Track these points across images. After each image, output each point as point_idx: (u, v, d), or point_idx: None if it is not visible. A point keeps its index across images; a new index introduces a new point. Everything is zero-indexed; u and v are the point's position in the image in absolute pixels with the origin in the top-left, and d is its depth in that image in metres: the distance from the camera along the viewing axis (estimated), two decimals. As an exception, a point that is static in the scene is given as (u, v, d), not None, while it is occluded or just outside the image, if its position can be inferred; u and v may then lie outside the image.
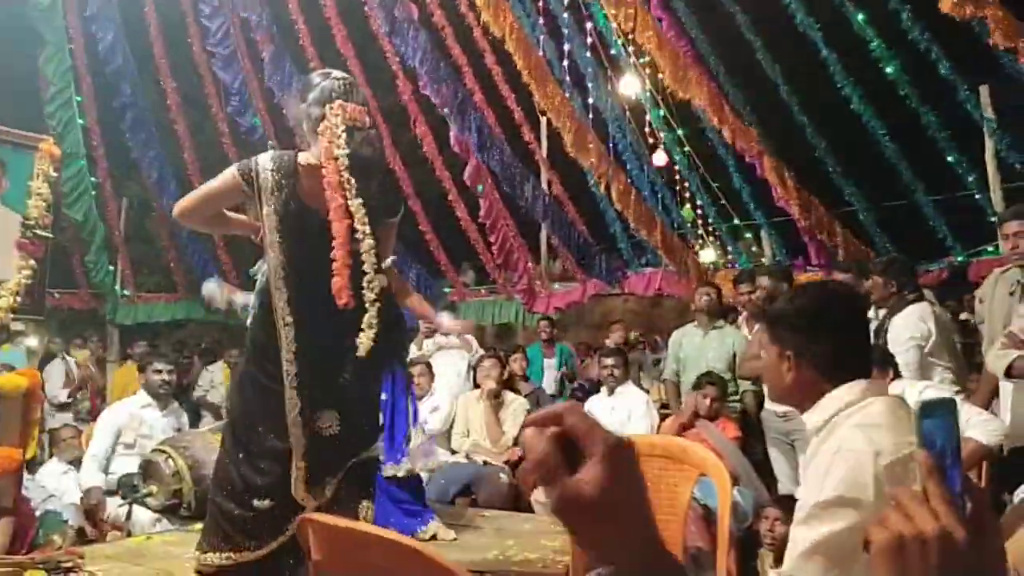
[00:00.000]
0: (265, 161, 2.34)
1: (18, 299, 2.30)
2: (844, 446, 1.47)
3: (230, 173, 2.36)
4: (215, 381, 7.66)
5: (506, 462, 4.72)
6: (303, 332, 2.33)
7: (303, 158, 2.36)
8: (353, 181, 2.25)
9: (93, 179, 8.11)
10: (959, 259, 6.02)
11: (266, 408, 2.43)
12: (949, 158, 6.28)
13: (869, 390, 1.56)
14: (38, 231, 2.33)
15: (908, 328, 3.76)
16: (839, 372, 1.58)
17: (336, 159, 2.26)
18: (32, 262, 2.32)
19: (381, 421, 2.94)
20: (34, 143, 2.42)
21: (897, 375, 3.16)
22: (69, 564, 2.73)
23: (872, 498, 1.38)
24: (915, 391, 3.04)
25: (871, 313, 4.05)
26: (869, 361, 1.69)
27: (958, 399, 3.03)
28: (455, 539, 3.17)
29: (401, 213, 2.59)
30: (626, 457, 0.61)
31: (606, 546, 0.62)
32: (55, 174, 2.43)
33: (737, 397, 4.67)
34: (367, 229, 2.25)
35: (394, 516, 3.14)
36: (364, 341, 2.26)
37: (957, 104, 6.08)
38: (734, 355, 4.68)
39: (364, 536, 1.45)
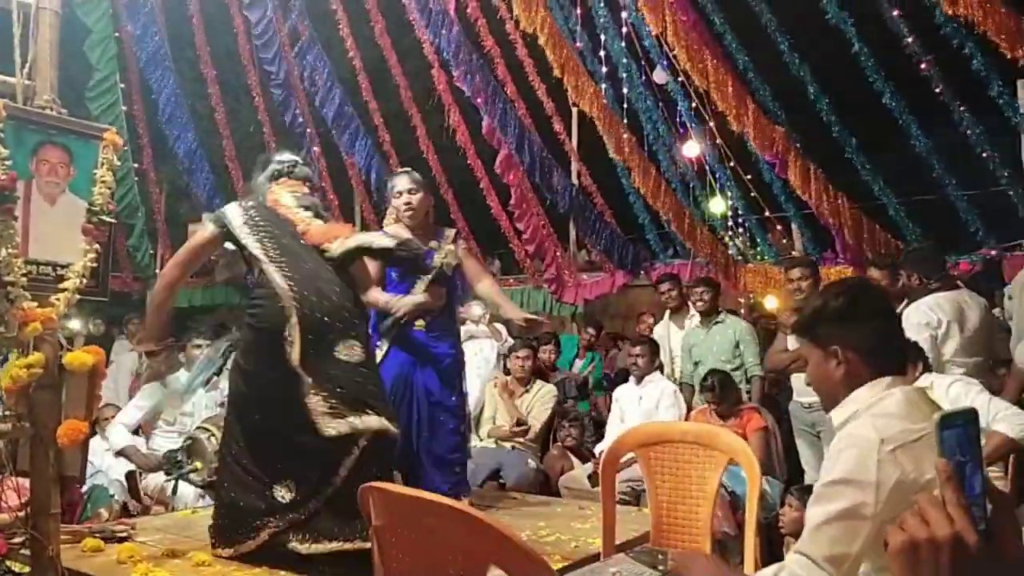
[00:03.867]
0: (235, 210, 2.91)
1: (84, 281, 2.41)
2: (854, 432, 1.56)
3: (207, 230, 2.91)
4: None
5: (515, 426, 4.84)
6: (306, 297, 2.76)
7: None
8: (296, 209, 2.96)
9: (135, 164, 8.26)
10: (992, 252, 5.96)
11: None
12: (983, 153, 6.22)
13: (894, 384, 1.61)
14: (102, 217, 2.45)
15: (917, 315, 3.62)
16: (883, 360, 1.64)
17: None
18: (97, 246, 2.43)
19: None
20: (99, 133, 2.53)
21: (927, 368, 3.20)
22: (123, 533, 2.87)
23: (873, 480, 1.47)
24: (943, 384, 3.09)
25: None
26: (904, 351, 1.75)
27: (985, 395, 3.08)
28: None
29: (327, 214, 3.22)
30: None
31: None
32: (118, 163, 2.55)
33: (748, 386, 4.79)
34: (308, 222, 2.92)
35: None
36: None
37: (991, 99, 6.02)
38: (736, 344, 4.87)
39: (421, 501, 1.56)
